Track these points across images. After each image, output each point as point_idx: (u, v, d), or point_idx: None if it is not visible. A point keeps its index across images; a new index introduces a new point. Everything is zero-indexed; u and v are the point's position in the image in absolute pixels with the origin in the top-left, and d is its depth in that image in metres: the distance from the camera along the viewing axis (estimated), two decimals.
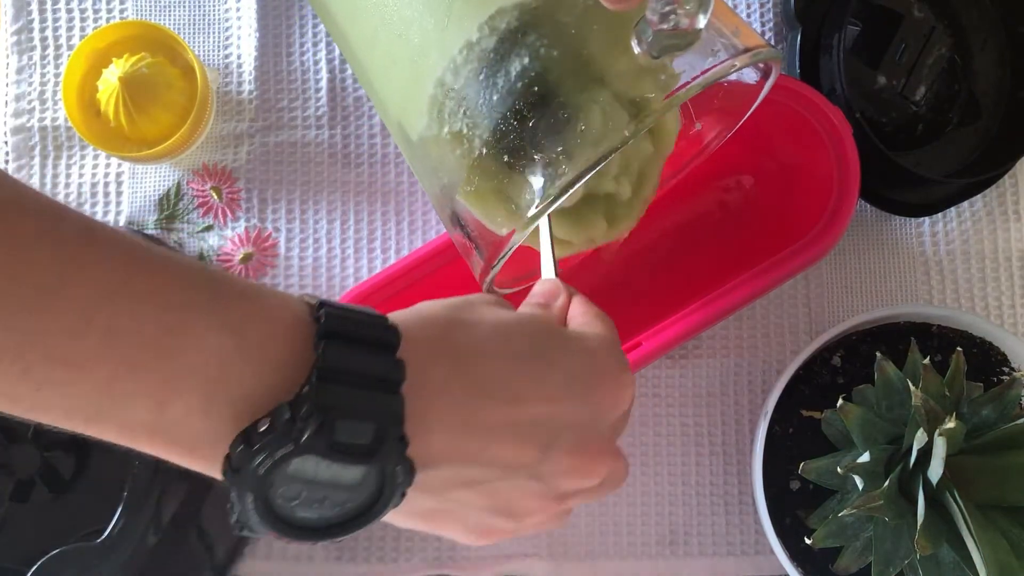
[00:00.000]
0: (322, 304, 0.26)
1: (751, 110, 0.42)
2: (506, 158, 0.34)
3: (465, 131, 0.34)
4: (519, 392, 0.29)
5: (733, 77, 0.35)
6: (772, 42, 0.59)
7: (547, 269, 0.38)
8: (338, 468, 0.24)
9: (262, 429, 0.24)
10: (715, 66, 0.32)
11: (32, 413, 0.23)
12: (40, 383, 0.22)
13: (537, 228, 0.38)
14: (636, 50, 0.32)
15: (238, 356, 0.24)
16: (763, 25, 0.59)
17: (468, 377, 0.28)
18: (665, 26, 0.30)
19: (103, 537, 0.41)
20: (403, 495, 0.26)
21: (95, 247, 0.23)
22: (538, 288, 0.37)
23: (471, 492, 0.29)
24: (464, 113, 0.34)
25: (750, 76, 0.40)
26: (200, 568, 0.49)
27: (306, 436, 0.23)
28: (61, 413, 0.23)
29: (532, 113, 0.33)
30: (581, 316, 0.34)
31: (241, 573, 0.53)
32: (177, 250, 0.26)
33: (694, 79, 0.32)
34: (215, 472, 0.25)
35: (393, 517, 0.28)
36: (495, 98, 0.34)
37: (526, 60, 0.33)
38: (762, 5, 0.59)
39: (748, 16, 0.59)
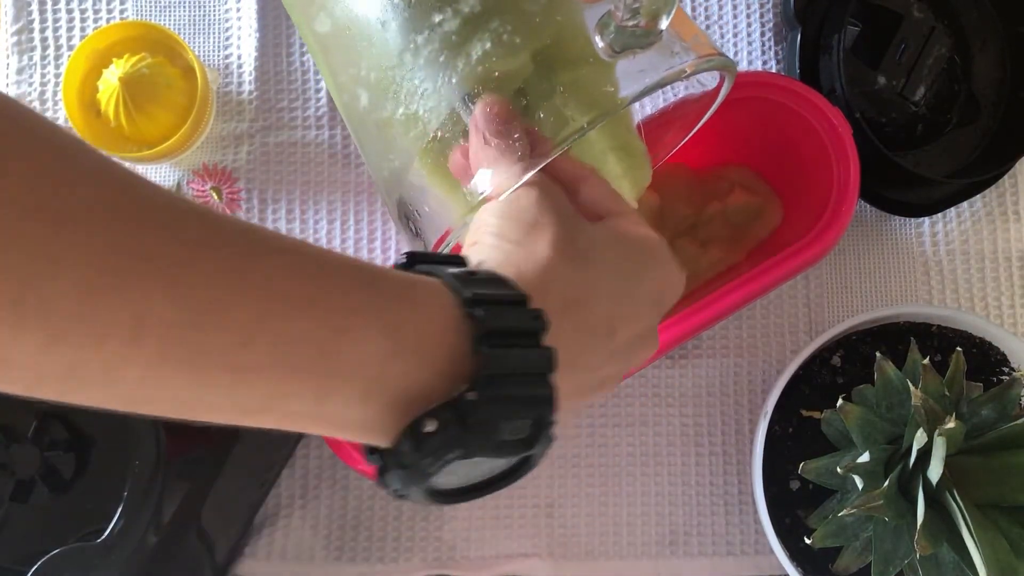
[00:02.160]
0: (474, 300, 0.26)
1: (706, 116, 0.42)
2: (462, 141, 0.34)
3: (421, 112, 0.34)
4: (618, 327, 0.32)
5: (694, 84, 0.35)
6: (772, 42, 0.59)
7: None
8: (500, 460, 0.27)
9: (427, 430, 0.25)
10: (669, 69, 0.33)
11: (194, 413, 0.24)
12: (208, 387, 0.23)
13: None
14: (598, 45, 0.33)
15: (396, 356, 0.25)
16: (763, 25, 0.59)
17: (584, 326, 0.30)
18: (629, 22, 0.30)
19: (103, 537, 0.41)
20: (548, 448, 0.28)
21: (256, 255, 0.24)
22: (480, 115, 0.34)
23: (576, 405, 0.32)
24: (421, 94, 0.34)
25: (712, 83, 0.40)
26: (200, 568, 0.49)
27: (476, 443, 0.25)
28: (224, 411, 0.24)
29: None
30: (588, 184, 0.35)
31: (241, 573, 0.53)
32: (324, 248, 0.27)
33: (648, 80, 0.33)
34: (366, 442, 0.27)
35: None
36: (454, 80, 0.34)
37: (488, 45, 0.33)
38: (762, 5, 0.59)
39: (748, 16, 0.59)
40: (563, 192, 0.34)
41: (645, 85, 0.32)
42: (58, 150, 0.21)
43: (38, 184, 0.20)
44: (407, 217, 0.37)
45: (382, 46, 0.35)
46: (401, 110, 0.35)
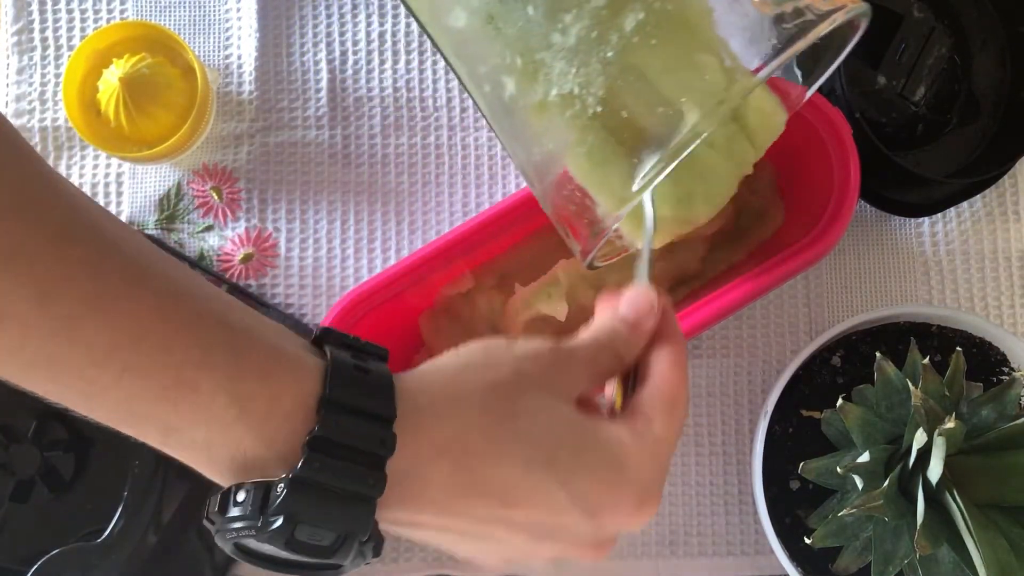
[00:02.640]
0: (330, 400, 0.27)
1: (837, 62, 0.41)
2: (624, 114, 0.33)
3: (577, 91, 0.34)
4: (517, 499, 0.29)
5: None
6: None
7: (643, 267, 0.36)
8: (300, 557, 0.26)
9: (239, 499, 0.26)
10: (822, 21, 0.33)
11: (65, 404, 0.26)
12: (65, 390, 0.25)
13: (639, 211, 0.37)
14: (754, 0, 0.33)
15: (238, 423, 0.26)
16: None
17: (470, 476, 0.28)
18: None
19: (103, 537, 0.41)
20: (368, 562, 0.28)
21: (133, 288, 0.25)
22: (631, 296, 0.34)
23: (461, 541, 0.30)
24: (576, 72, 0.34)
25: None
26: (200, 568, 0.49)
27: (269, 530, 0.25)
28: (89, 413, 0.26)
29: (651, 67, 0.33)
30: (657, 387, 0.32)
31: (241, 573, 0.53)
32: (214, 287, 0.28)
33: (803, 34, 0.32)
34: None
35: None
36: (610, 55, 0.33)
37: (641, 15, 0.33)
38: None
39: None
40: (576, 365, 0.31)
41: (806, 36, 0.32)
42: None
43: None
44: (563, 196, 0.37)
45: (527, 30, 0.35)
46: (555, 91, 0.34)
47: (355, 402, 0.27)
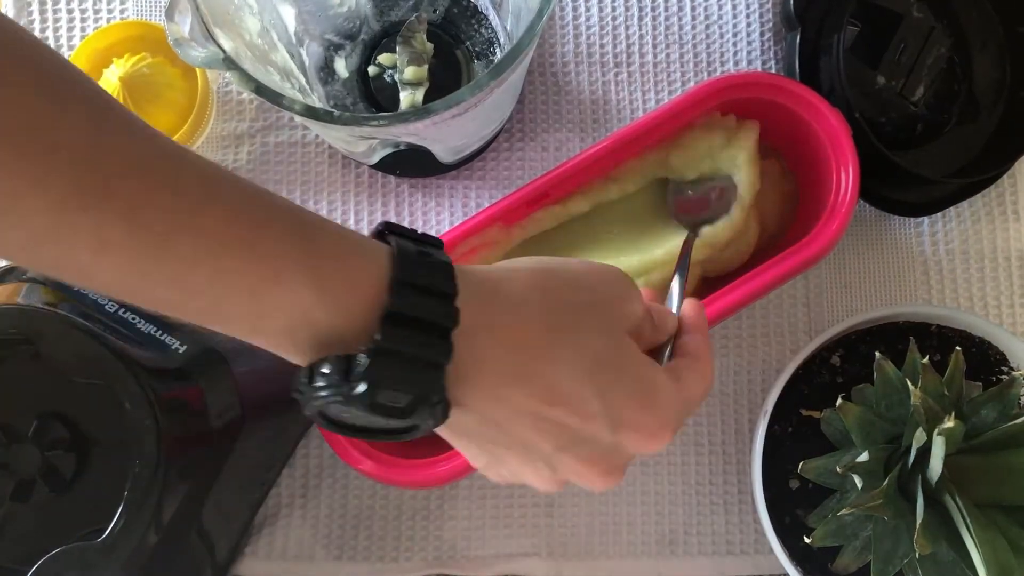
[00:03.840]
0: (402, 281, 0.29)
1: None
2: None
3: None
4: (556, 398, 0.31)
5: None
6: (772, 42, 0.59)
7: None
8: (379, 418, 0.29)
9: (324, 371, 0.28)
10: None
11: (162, 310, 0.28)
12: (162, 296, 0.28)
13: None
14: None
15: (319, 306, 0.28)
16: (763, 25, 0.59)
17: (520, 368, 0.31)
18: None
19: (103, 537, 0.41)
20: (439, 423, 0.30)
21: (210, 199, 0.27)
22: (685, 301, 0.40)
23: (490, 441, 0.33)
24: None
25: None
26: (200, 568, 0.49)
27: (353, 394, 0.28)
28: (185, 315, 0.28)
29: None
30: (692, 359, 0.37)
31: (241, 573, 0.53)
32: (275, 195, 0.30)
33: None
34: None
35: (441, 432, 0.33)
36: None
37: None
38: (761, 5, 0.59)
39: (748, 16, 0.59)
40: (637, 303, 0.35)
41: None
42: (44, 80, 0.25)
43: (26, 117, 0.24)
44: None
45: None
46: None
47: (421, 280, 0.29)
